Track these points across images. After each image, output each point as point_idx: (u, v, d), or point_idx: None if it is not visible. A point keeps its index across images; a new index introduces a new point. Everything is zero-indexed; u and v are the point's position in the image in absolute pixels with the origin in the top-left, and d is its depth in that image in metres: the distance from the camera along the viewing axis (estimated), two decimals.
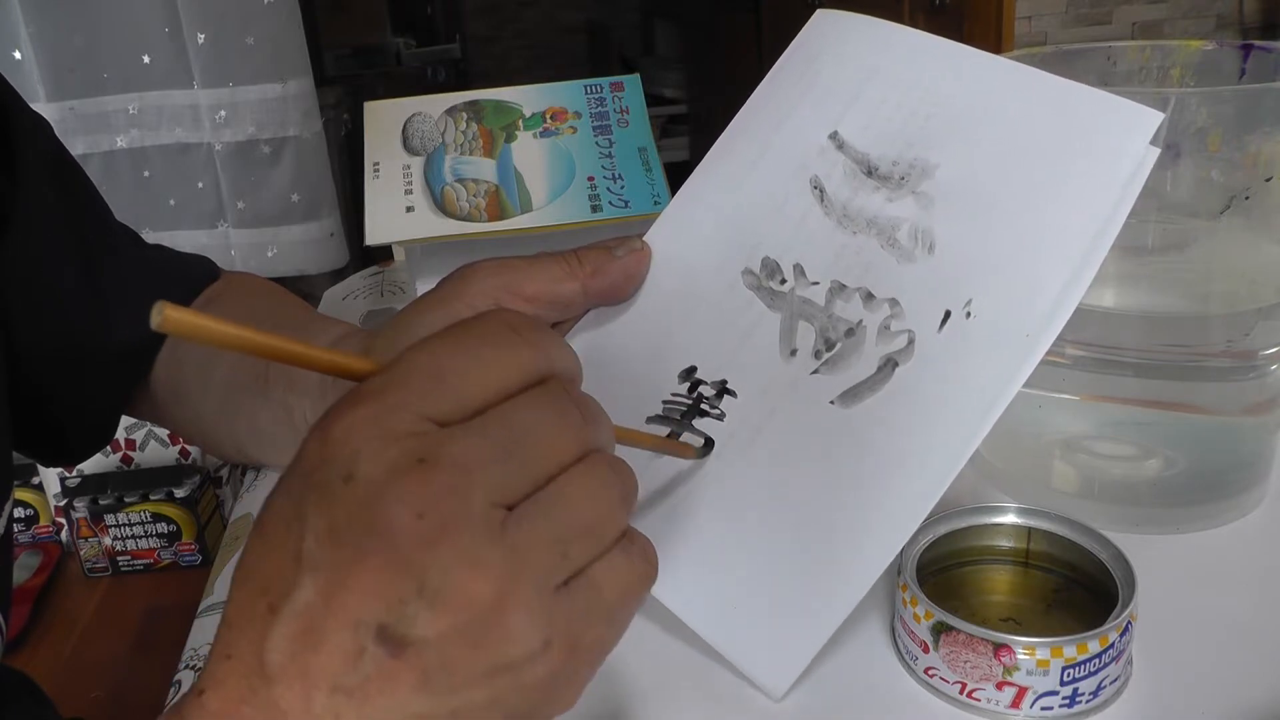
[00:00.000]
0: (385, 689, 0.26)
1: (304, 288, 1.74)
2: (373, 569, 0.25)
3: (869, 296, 0.41)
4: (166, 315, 0.25)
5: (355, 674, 0.26)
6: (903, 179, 0.42)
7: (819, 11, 0.47)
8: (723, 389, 0.43)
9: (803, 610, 0.40)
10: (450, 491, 0.26)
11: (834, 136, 0.44)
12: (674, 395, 0.44)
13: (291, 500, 0.27)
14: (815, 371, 0.42)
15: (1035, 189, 0.39)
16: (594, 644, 0.29)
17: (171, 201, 1.64)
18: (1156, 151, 0.37)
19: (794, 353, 0.42)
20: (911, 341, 0.40)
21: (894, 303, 0.41)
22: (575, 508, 0.28)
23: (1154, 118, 0.37)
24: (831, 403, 0.41)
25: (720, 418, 0.43)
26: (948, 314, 0.39)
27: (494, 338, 0.29)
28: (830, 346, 0.42)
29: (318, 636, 0.26)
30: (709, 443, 0.43)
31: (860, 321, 0.41)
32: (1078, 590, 0.44)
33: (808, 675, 0.42)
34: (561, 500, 0.28)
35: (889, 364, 0.40)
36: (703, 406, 0.43)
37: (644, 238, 0.47)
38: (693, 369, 0.44)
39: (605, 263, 0.46)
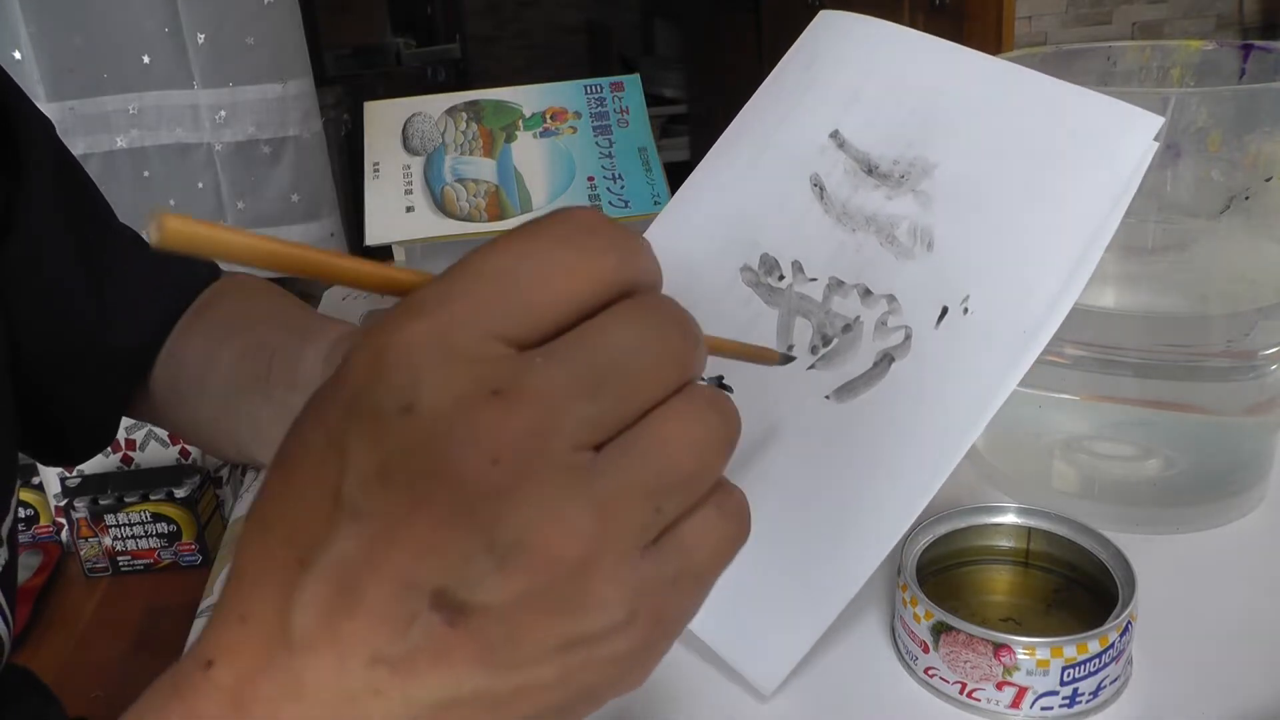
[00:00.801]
0: (438, 663, 0.22)
1: (304, 288, 1.74)
2: (433, 520, 0.21)
3: (867, 293, 0.41)
4: (168, 227, 0.20)
5: (402, 643, 0.22)
6: (903, 177, 0.42)
7: (822, 13, 0.47)
8: (718, 384, 0.44)
9: (796, 606, 0.40)
10: (531, 432, 0.22)
11: (835, 135, 0.44)
12: None
13: (327, 431, 0.23)
14: (811, 367, 0.42)
15: (1034, 188, 0.39)
16: (679, 614, 0.25)
17: (171, 201, 1.64)
18: (1155, 148, 0.37)
19: (790, 348, 0.43)
20: (908, 337, 0.40)
21: (891, 299, 0.41)
22: (673, 453, 0.23)
23: (1153, 121, 0.37)
24: (827, 398, 0.41)
25: None
26: (945, 310, 0.39)
27: (572, 239, 0.23)
28: (827, 342, 0.42)
29: (356, 598, 0.22)
30: (788, 355, 0.41)
31: (858, 317, 0.41)
32: (1078, 590, 0.44)
33: (808, 675, 0.42)
34: (659, 444, 0.23)
35: (885, 359, 0.40)
36: None
37: (644, 235, 0.47)
38: None
39: None
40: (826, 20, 0.47)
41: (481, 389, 0.22)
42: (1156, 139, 0.37)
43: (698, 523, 0.24)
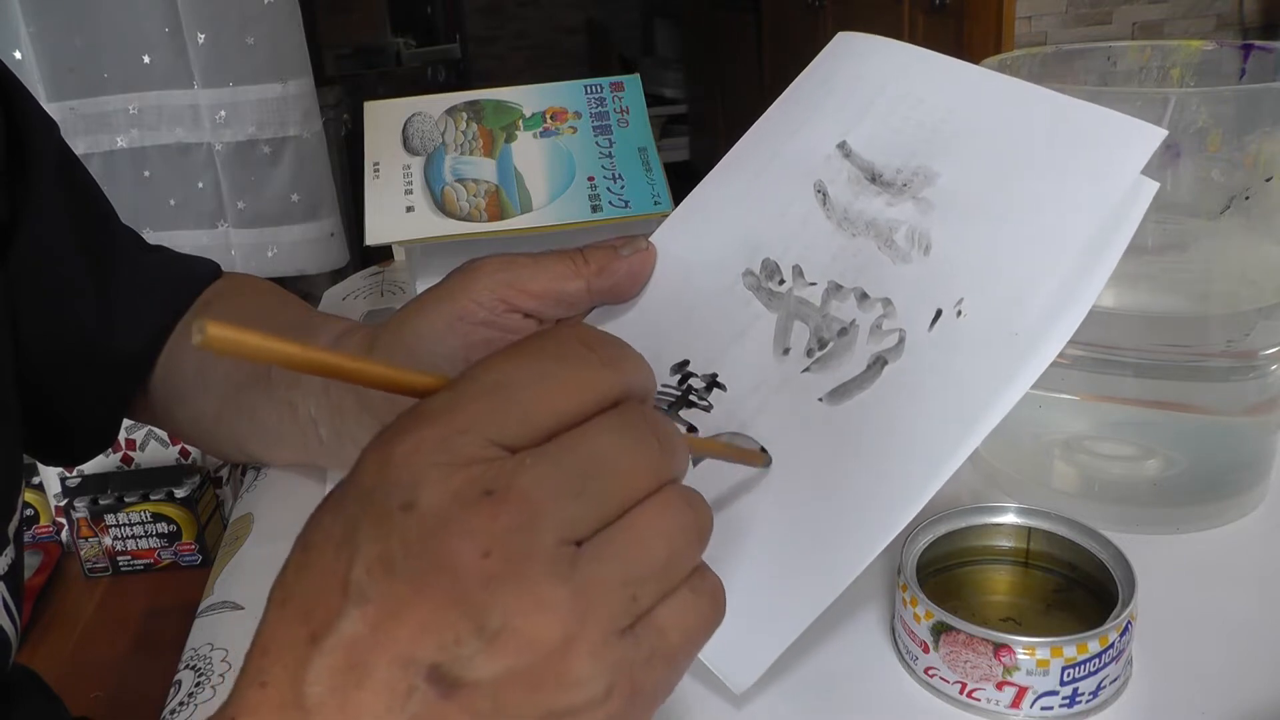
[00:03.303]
0: None
1: (304, 288, 1.75)
2: (429, 605, 0.24)
3: (863, 296, 0.42)
4: (210, 334, 0.22)
5: (401, 713, 0.24)
6: (905, 185, 0.42)
7: (839, 34, 0.48)
8: (713, 382, 0.44)
9: (777, 608, 0.39)
10: (518, 527, 0.24)
11: (842, 146, 0.44)
12: (664, 387, 0.44)
13: (343, 522, 0.26)
14: (806, 370, 0.42)
15: (1032, 197, 0.39)
16: (655, 689, 0.27)
17: (171, 201, 1.64)
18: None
19: (787, 351, 0.43)
20: (902, 340, 0.40)
21: (887, 302, 0.41)
22: (649, 547, 0.26)
23: (1153, 134, 0.37)
24: (820, 400, 0.41)
25: (708, 409, 0.43)
26: (939, 313, 0.40)
27: (567, 355, 0.27)
28: (823, 345, 0.42)
29: (363, 672, 0.24)
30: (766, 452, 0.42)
31: (853, 320, 0.42)
32: (1078, 590, 0.44)
33: (807, 674, 0.42)
34: (635, 538, 0.26)
35: (878, 362, 0.40)
36: (691, 398, 0.44)
37: (649, 238, 0.47)
38: (685, 362, 0.44)
39: (610, 261, 0.46)
40: (843, 41, 0.48)
41: (475, 489, 0.25)
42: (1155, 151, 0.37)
43: (673, 606, 0.27)
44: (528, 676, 0.25)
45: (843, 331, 0.42)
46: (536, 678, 0.25)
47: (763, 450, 0.41)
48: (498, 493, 0.25)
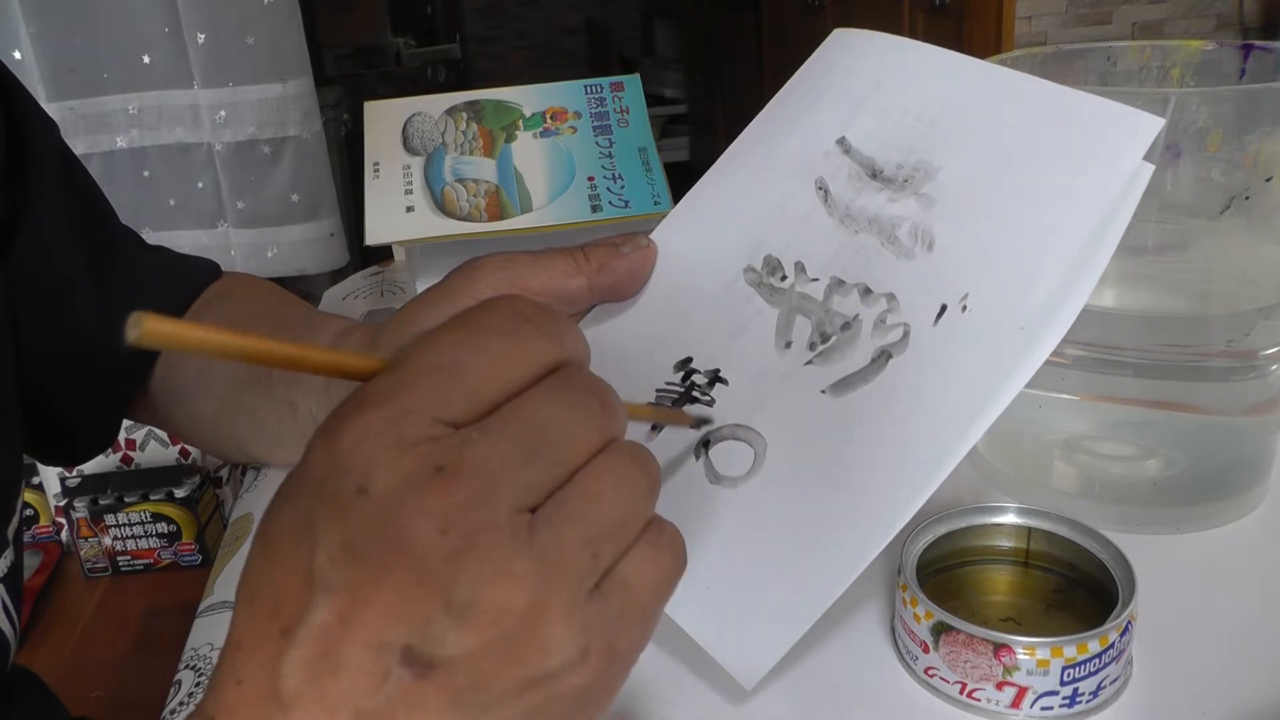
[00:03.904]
0: (413, 712, 0.25)
1: (304, 288, 1.74)
2: (394, 587, 0.24)
3: (867, 291, 0.42)
4: (146, 328, 0.23)
5: (379, 697, 0.24)
6: (906, 181, 0.42)
7: (836, 31, 0.48)
8: (715, 377, 0.44)
9: (783, 601, 0.39)
10: (474, 500, 0.25)
11: (841, 141, 0.44)
12: (667, 383, 0.44)
13: (299, 514, 0.26)
14: (809, 363, 0.42)
15: (1034, 189, 0.39)
16: (630, 646, 0.28)
17: (171, 201, 1.64)
18: (1151, 168, 0.37)
19: (789, 345, 0.43)
20: (907, 334, 0.40)
21: (891, 297, 0.41)
22: (602, 504, 0.27)
23: (1153, 124, 0.37)
24: (823, 392, 0.41)
25: (710, 404, 0.43)
26: (944, 307, 0.40)
27: (503, 328, 0.27)
28: (826, 339, 0.42)
29: (336, 660, 0.24)
30: (702, 419, 0.42)
31: (856, 315, 0.42)
32: (1078, 590, 0.44)
33: (807, 674, 0.42)
34: (588, 498, 0.26)
35: (883, 356, 0.40)
36: (694, 394, 0.44)
37: (650, 236, 0.48)
38: (688, 359, 0.44)
39: (611, 259, 0.46)
40: (840, 37, 0.48)
41: (426, 467, 0.25)
42: (1155, 145, 0.37)
43: (634, 560, 0.27)
44: (502, 647, 0.25)
45: (846, 326, 0.42)
46: (510, 648, 0.25)
47: (698, 417, 0.42)
48: (448, 468, 0.25)
